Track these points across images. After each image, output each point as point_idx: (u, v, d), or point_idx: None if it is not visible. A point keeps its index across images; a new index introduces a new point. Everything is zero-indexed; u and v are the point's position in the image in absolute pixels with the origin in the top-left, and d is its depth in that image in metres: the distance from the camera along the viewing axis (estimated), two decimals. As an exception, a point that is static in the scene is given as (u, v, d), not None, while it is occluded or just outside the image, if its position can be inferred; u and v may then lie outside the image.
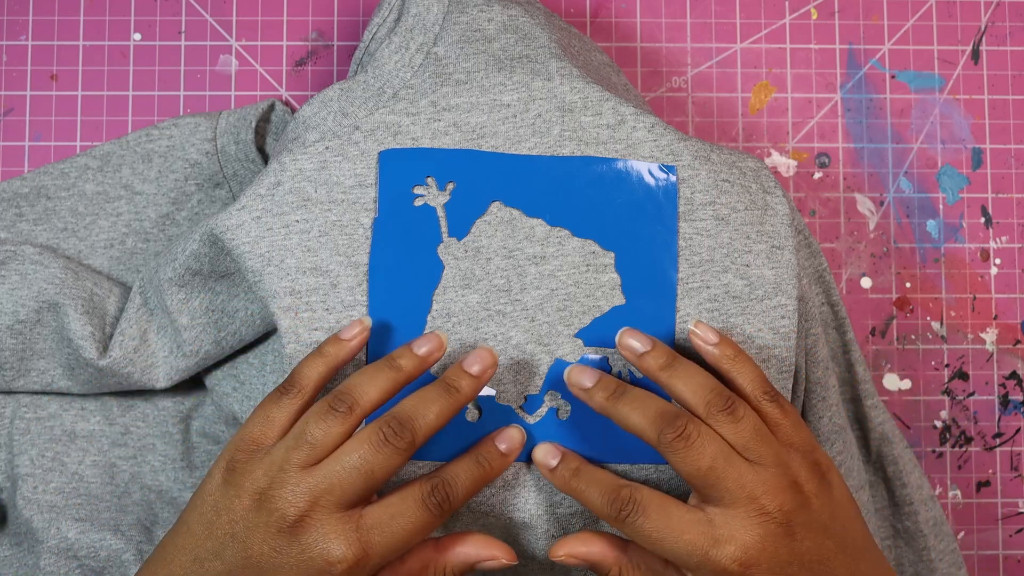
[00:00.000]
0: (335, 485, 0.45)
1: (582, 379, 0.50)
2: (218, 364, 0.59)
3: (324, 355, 0.49)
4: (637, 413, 0.47)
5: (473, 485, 0.48)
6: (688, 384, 0.48)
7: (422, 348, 0.49)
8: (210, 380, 0.59)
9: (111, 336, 0.57)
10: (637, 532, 0.46)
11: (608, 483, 0.48)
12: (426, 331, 0.51)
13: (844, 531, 0.47)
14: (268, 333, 0.57)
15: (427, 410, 0.47)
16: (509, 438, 0.50)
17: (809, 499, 0.46)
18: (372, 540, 0.45)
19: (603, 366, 0.52)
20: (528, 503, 0.51)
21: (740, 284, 0.52)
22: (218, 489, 0.46)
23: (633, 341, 0.50)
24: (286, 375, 0.51)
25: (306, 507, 0.45)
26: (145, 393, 0.61)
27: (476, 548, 0.48)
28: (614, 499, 0.47)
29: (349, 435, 0.47)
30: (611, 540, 0.48)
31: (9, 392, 0.59)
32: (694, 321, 0.51)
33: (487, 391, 0.51)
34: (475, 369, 0.49)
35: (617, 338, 0.50)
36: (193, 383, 0.61)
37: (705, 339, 0.50)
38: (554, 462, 0.49)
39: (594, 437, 0.51)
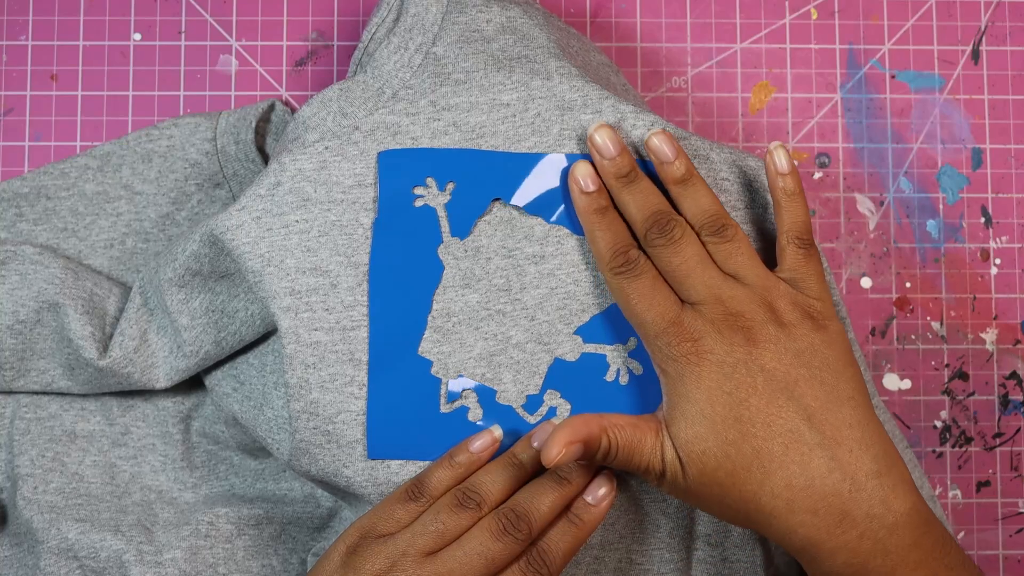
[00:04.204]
0: (454, 570, 0.46)
1: (607, 144, 0.50)
2: (218, 364, 0.59)
3: (454, 466, 0.50)
4: (635, 204, 0.49)
5: (570, 547, 0.48)
6: (693, 204, 0.50)
7: (537, 441, 0.49)
8: (210, 380, 0.59)
9: (111, 336, 0.57)
10: (620, 289, 0.49)
11: (623, 237, 0.49)
12: (426, 331, 0.51)
13: (825, 368, 0.47)
14: (268, 333, 0.57)
15: (541, 503, 0.48)
16: (595, 489, 0.49)
17: (784, 325, 0.47)
18: None
19: (602, 365, 0.52)
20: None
21: (740, 284, 0.52)
22: (336, 571, 0.47)
23: (664, 148, 0.50)
24: (286, 375, 0.51)
25: None
26: (145, 393, 0.61)
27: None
28: (619, 252, 0.49)
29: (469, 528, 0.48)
30: (586, 417, 0.47)
31: (9, 392, 0.59)
32: (777, 144, 0.51)
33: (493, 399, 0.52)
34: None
35: (647, 139, 0.50)
36: (193, 383, 0.61)
37: (778, 166, 0.50)
38: (592, 187, 0.50)
39: (594, 437, 0.52)
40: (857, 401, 0.47)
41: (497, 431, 0.50)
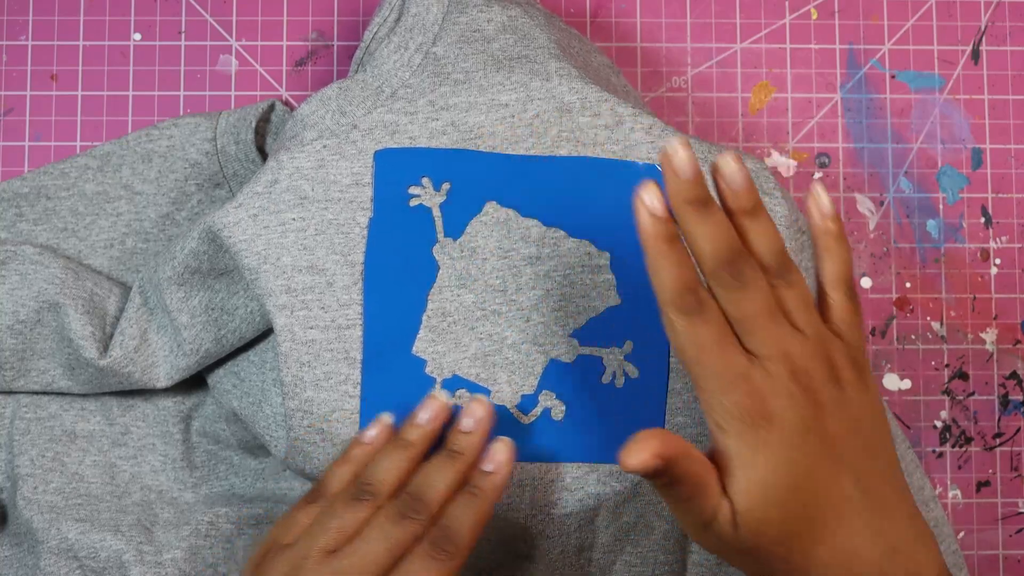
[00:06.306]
0: (356, 563, 0.45)
1: (684, 165, 0.42)
2: (220, 361, 0.59)
3: (349, 461, 0.49)
4: (707, 237, 0.42)
5: (473, 519, 0.47)
6: (761, 239, 0.44)
7: (424, 417, 0.49)
8: (212, 378, 0.59)
9: (111, 336, 0.57)
10: (685, 333, 0.42)
11: (692, 274, 0.43)
12: (421, 331, 0.51)
13: (873, 431, 0.44)
14: (269, 330, 0.57)
15: (436, 480, 0.47)
16: (493, 456, 0.49)
17: (843, 385, 0.44)
18: None
19: (597, 367, 0.52)
20: (523, 503, 0.51)
21: (737, 284, 0.52)
22: None
23: (737, 174, 0.43)
24: (281, 373, 0.51)
25: None
26: (145, 393, 0.61)
27: None
28: (689, 290, 0.42)
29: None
30: (670, 434, 0.42)
31: (9, 392, 0.60)
32: (819, 183, 0.46)
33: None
34: (467, 425, 0.49)
35: (717, 160, 0.43)
36: (193, 383, 0.61)
37: (820, 207, 0.45)
38: (663, 213, 0.42)
39: (589, 438, 0.51)
40: (896, 464, 0.45)
41: (386, 418, 0.50)
